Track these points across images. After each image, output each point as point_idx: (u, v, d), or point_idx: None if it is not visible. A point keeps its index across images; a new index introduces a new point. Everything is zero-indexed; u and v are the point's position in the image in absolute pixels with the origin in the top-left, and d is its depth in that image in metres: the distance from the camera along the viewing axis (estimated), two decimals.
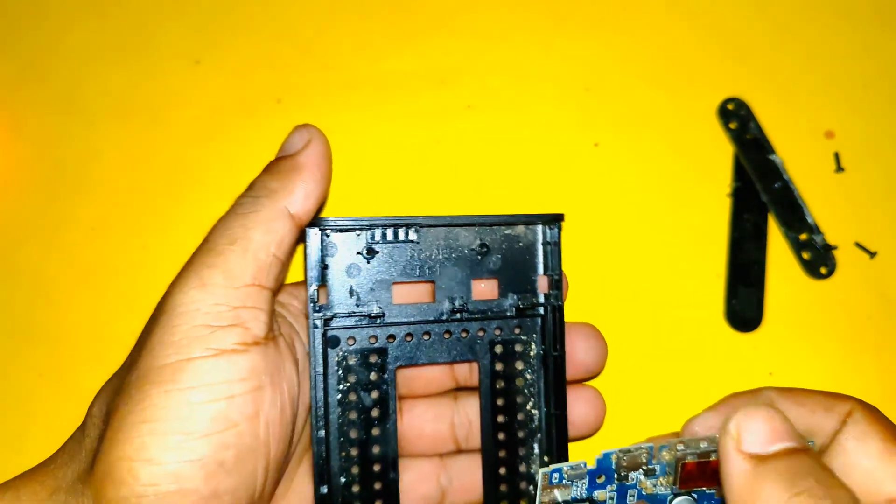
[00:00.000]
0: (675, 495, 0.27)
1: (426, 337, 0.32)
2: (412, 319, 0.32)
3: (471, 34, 0.45)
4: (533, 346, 0.33)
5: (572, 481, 0.26)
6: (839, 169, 0.42)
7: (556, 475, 0.26)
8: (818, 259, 0.40)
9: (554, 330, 0.33)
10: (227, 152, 0.43)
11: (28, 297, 0.41)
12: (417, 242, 0.32)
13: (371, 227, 0.32)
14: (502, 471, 0.33)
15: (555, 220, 0.33)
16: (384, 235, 0.32)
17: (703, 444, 0.26)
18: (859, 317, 0.39)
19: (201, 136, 0.44)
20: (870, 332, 0.39)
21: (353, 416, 0.31)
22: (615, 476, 0.26)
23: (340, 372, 0.31)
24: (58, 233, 0.42)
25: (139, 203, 0.42)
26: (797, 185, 0.41)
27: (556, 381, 0.33)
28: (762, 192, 0.41)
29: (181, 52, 0.45)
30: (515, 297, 0.33)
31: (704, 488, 0.26)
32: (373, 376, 0.31)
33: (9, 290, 0.41)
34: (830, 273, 0.40)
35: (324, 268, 0.31)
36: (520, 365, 0.33)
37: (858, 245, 0.40)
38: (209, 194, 0.42)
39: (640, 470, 0.26)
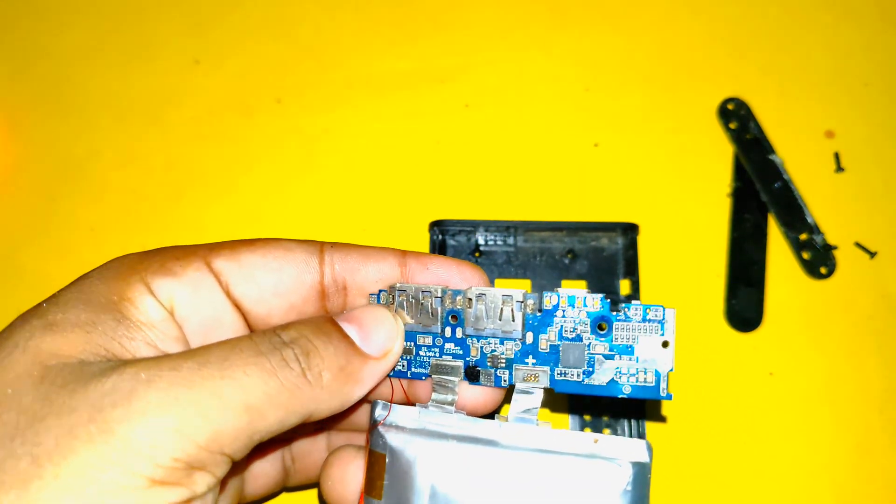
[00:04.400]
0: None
1: None
2: None
3: (470, 34, 0.45)
4: None
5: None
6: (839, 169, 0.42)
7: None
8: (818, 259, 0.40)
9: None
10: (227, 152, 0.43)
11: (28, 297, 0.41)
12: (516, 245, 0.39)
13: (476, 229, 0.39)
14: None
15: (631, 230, 0.39)
16: (487, 239, 0.39)
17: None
18: (859, 317, 0.39)
19: (201, 136, 0.44)
20: (870, 332, 0.39)
21: None
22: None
23: None
24: (58, 233, 0.42)
25: (139, 203, 0.42)
26: (797, 185, 0.41)
27: None
28: (762, 192, 0.41)
29: (181, 52, 0.45)
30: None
31: None
32: None
33: (9, 290, 0.41)
34: (830, 273, 0.40)
35: None
36: None
37: (858, 245, 0.40)
38: (209, 194, 0.42)
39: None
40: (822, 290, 0.40)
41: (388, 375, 0.28)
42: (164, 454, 0.20)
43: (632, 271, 0.39)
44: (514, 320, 0.26)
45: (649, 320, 0.25)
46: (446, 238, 0.40)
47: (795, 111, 0.43)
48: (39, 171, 0.43)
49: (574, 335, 0.26)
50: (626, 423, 0.36)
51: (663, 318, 0.25)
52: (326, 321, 0.25)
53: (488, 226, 0.39)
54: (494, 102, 0.44)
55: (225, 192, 0.42)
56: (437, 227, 0.39)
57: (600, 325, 0.26)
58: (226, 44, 0.45)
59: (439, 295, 0.27)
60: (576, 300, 0.26)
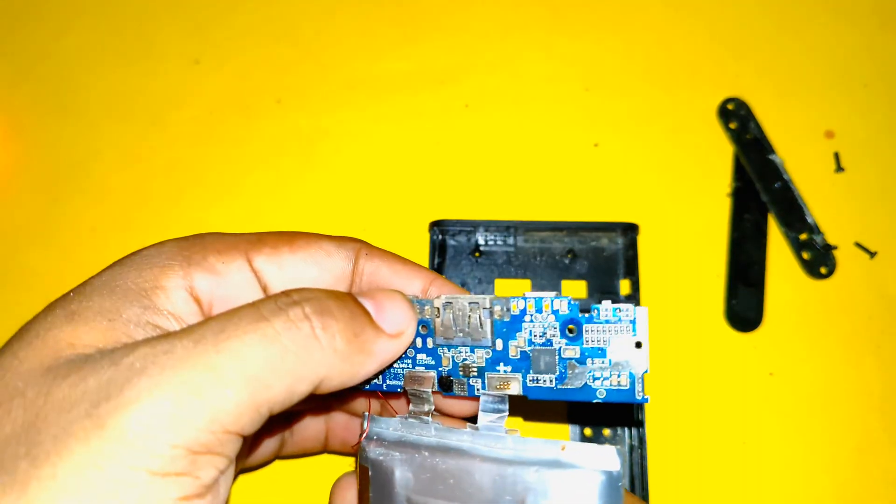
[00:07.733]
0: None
1: None
2: None
3: (470, 34, 0.45)
4: None
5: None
6: (839, 169, 0.42)
7: None
8: (818, 259, 0.40)
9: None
10: (227, 152, 0.43)
11: (28, 297, 0.41)
12: (516, 245, 0.39)
13: (476, 229, 0.39)
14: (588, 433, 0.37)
15: (631, 230, 0.39)
16: (487, 239, 0.39)
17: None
18: (859, 317, 0.39)
19: (201, 136, 0.44)
20: (870, 332, 0.39)
21: None
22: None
23: None
24: (59, 233, 0.42)
25: (139, 203, 0.42)
26: (797, 185, 0.41)
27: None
28: (762, 192, 0.41)
29: (181, 52, 0.45)
30: (600, 296, 0.39)
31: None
32: None
33: (9, 290, 0.41)
34: (830, 273, 0.40)
35: (441, 261, 0.39)
36: None
37: (858, 245, 0.40)
38: (209, 194, 0.42)
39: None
40: (821, 290, 0.40)
41: (364, 388, 0.27)
42: (161, 442, 0.19)
43: (632, 271, 0.39)
44: (482, 328, 0.25)
45: (620, 321, 0.24)
46: (446, 238, 0.40)
47: (795, 111, 0.43)
48: (40, 172, 0.43)
49: (544, 340, 0.25)
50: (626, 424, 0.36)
51: (634, 318, 0.24)
52: (342, 292, 0.24)
53: (488, 226, 0.39)
54: (494, 102, 0.44)
55: (225, 192, 0.43)
56: (437, 227, 0.39)
57: (570, 328, 0.25)
58: (226, 44, 0.45)
59: None
60: (543, 303, 0.25)
